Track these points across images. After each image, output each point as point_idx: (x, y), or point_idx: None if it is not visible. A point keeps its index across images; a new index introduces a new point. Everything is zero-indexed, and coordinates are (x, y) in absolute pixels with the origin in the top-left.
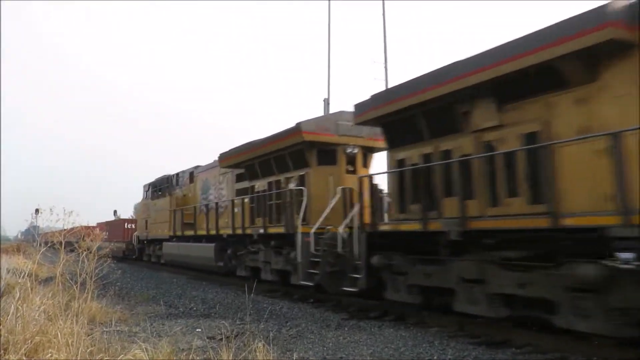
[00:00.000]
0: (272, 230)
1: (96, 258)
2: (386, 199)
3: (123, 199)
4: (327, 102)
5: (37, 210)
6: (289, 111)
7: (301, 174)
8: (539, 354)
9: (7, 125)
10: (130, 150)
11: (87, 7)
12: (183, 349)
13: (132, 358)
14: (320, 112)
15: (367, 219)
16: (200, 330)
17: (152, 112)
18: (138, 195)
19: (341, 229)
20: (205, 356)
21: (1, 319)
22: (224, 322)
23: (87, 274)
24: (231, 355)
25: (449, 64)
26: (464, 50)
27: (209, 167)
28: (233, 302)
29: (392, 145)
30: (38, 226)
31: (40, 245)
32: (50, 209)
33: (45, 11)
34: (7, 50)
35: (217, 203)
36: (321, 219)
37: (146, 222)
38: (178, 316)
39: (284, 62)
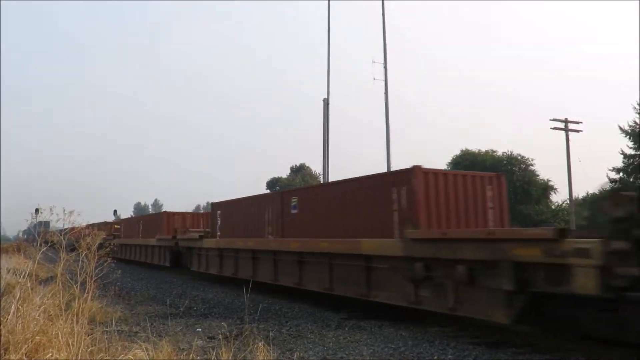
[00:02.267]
0: None
1: (96, 258)
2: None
3: (123, 199)
4: (326, 102)
5: (37, 210)
6: (288, 112)
7: None
8: (539, 354)
9: (6, 124)
10: (129, 151)
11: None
12: (183, 349)
13: (132, 358)
14: (319, 112)
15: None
16: (200, 330)
17: (151, 113)
18: (138, 196)
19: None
20: (205, 356)
21: (2, 318)
22: (224, 322)
23: (87, 273)
24: (231, 355)
25: None
26: (462, 50)
27: None
28: (233, 302)
29: None
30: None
31: (40, 245)
32: (51, 209)
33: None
34: (5, 50)
35: None
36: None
37: None
38: (178, 316)
39: (283, 61)
